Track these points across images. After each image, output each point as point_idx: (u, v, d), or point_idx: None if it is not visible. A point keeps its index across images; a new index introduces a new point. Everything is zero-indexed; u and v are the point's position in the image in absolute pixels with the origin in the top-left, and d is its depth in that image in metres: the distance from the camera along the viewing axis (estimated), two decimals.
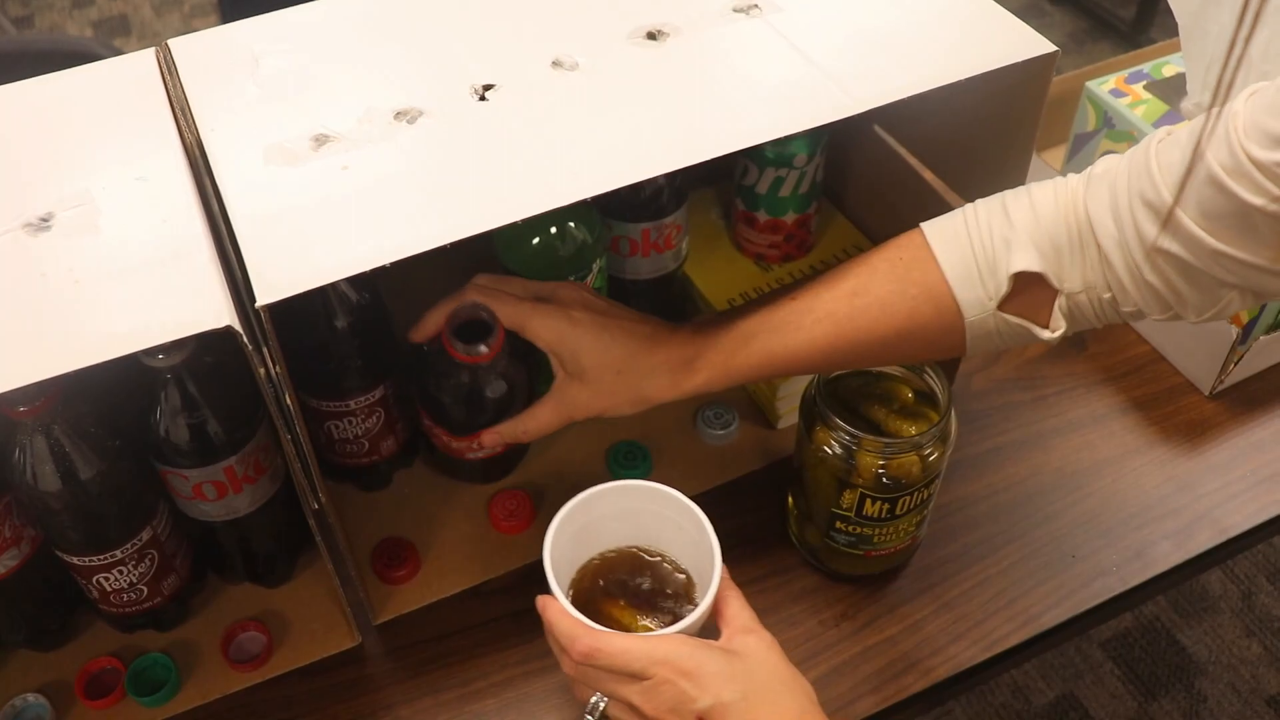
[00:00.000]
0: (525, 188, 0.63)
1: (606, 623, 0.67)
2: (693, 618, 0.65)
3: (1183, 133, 0.62)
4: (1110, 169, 0.66)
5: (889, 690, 0.79)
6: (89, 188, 0.64)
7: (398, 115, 0.68)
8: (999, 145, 0.84)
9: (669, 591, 0.72)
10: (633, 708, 0.62)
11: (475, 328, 0.75)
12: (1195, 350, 0.97)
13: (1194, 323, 0.66)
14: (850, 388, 0.79)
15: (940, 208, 0.91)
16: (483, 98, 0.69)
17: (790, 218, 0.96)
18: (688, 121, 0.68)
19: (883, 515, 0.76)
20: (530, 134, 0.67)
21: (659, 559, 0.73)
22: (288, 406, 0.64)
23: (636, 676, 0.62)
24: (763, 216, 0.96)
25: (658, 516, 0.72)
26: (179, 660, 0.79)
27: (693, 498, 0.88)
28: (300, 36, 0.75)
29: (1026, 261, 0.66)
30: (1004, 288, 0.67)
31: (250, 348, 0.57)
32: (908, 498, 0.76)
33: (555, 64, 0.72)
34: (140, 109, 0.70)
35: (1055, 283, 0.67)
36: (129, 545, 0.73)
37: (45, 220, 0.62)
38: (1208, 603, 1.77)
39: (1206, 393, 0.97)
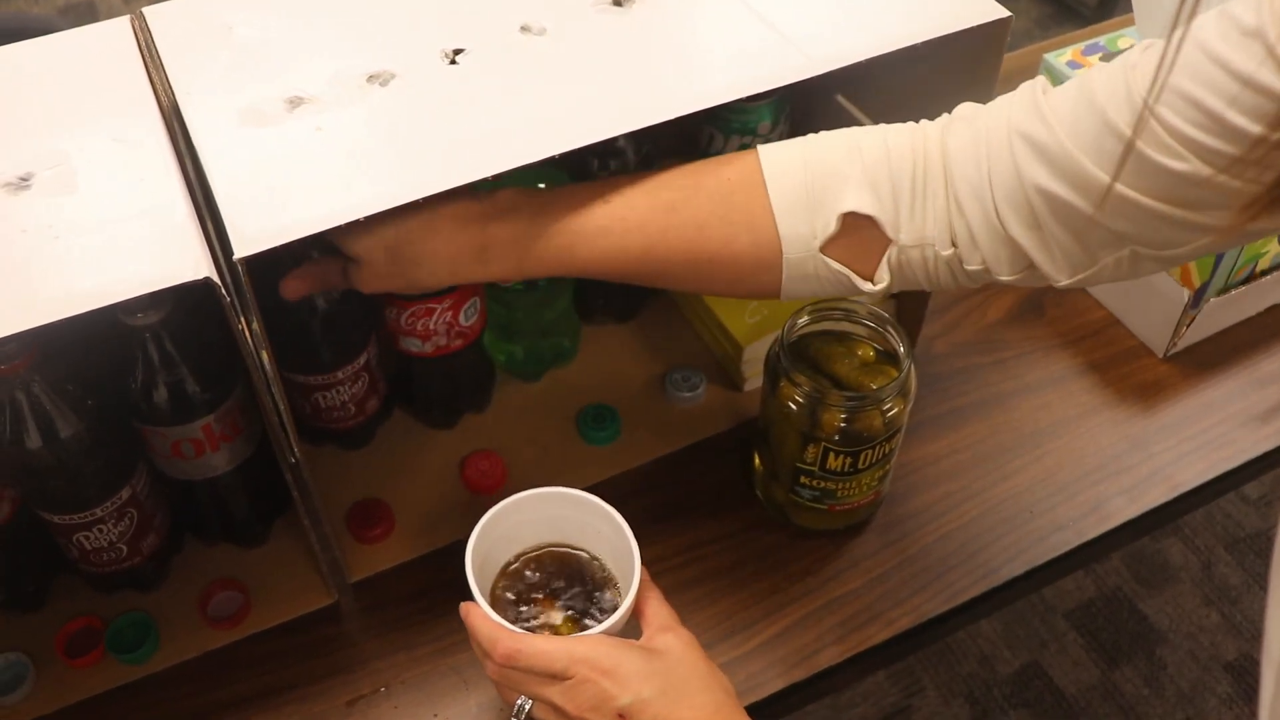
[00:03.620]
0: (494, 146, 0.65)
1: (532, 619, 0.68)
2: (614, 619, 0.65)
3: (1070, 84, 0.59)
4: (975, 113, 0.64)
5: (853, 640, 0.81)
6: (67, 149, 0.66)
7: (369, 78, 0.70)
8: None
9: (591, 586, 0.71)
10: (556, 708, 0.63)
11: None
12: (1150, 314, 1.00)
13: (1060, 285, 0.62)
14: (814, 346, 0.81)
15: None
16: (453, 61, 0.71)
17: None
18: (651, 84, 0.70)
19: (845, 469, 0.79)
20: (499, 96, 0.69)
21: (581, 553, 0.73)
22: (264, 361, 0.65)
23: (557, 677, 0.62)
24: None
25: (579, 522, 0.72)
26: (158, 619, 0.80)
27: (662, 458, 0.91)
28: (273, 3, 0.77)
29: (858, 202, 0.63)
30: (831, 227, 0.64)
31: (228, 300, 0.59)
32: (870, 451, 0.78)
33: (523, 29, 0.73)
34: (117, 74, 0.71)
35: (889, 231, 0.64)
36: (108, 503, 0.74)
37: (25, 180, 0.64)
38: (1168, 573, 1.81)
39: (1160, 355, 1.00)
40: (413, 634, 0.81)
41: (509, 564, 0.72)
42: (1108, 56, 1.08)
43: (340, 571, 0.83)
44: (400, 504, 0.87)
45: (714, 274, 0.68)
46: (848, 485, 0.81)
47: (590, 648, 0.62)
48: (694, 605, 0.82)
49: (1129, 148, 0.54)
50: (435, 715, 0.77)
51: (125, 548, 0.77)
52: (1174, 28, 0.48)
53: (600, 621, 0.66)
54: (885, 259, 0.65)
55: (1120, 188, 0.55)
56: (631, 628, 0.67)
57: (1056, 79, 1.07)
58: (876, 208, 0.63)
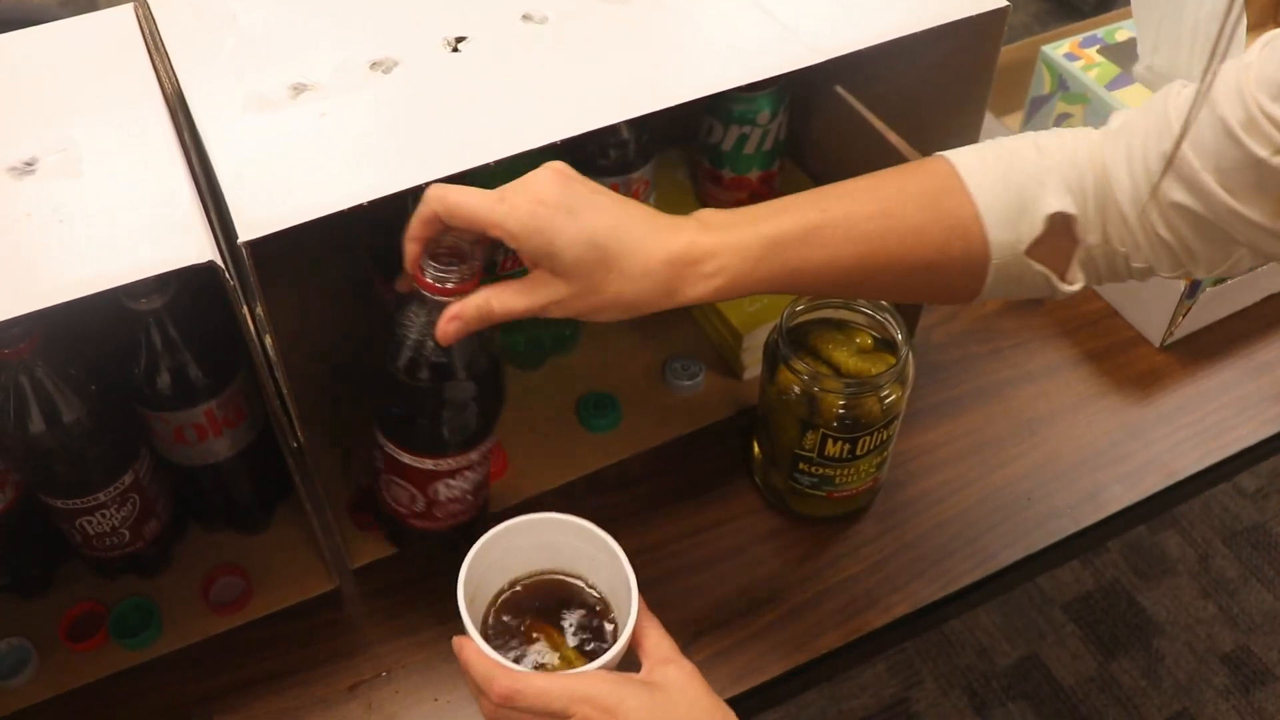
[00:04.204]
0: (496, 133, 0.66)
1: (528, 648, 0.66)
2: (612, 653, 0.63)
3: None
4: (1127, 123, 0.64)
5: (851, 626, 0.82)
6: (72, 134, 0.66)
7: (373, 66, 0.70)
8: (955, 103, 0.87)
9: (589, 615, 0.69)
10: None
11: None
12: (1146, 304, 1.00)
13: (1205, 278, 0.65)
14: (812, 333, 0.82)
15: (900, 164, 0.94)
16: (455, 49, 0.71)
17: (754, 175, 0.99)
18: (652, 72, 0.71)
19: (844, 455, 0.79)
20: (501, 83, 0.69)
21: (577, 582, 0.70)
22: (267, 346, 0.66)
23: (557, 716, 0.60)
24: (728, 174, 0.99)
25: (573, 548, 0.69)
26: (161, 604, 0.81)
27: (661, 446, 0.91)
28: None
29: (1062, 203, 0.64)
30: (1038, 229, 0.64)
31: (232, 284, 0.59)
32: (868, 438, 0.79)
33: (525, 18, 0.74)
34: (120, 60, 0.72)
35: (1080, 232, 0.65)
36: (111, 489, 0.75)
37: (29, 164, 0.64)
38: (1166, 565, 1.82)
39: (1157, 344, 1.00)
40: (414, 619, 0.82)
41: (502, 592, 0.69)
42: (1105, 49, 1.08)
43: (342, 557, 0.84)
44: None
45: (927, 281, 0.67)
46: (846, 472, 0.81)
47: (591, 685, 0.60)
48: (693, 591, 0.83)
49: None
50: (436, 699, 0.77)
51: (128, 533, 0.78)
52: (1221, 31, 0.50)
53: (600, 652, 0.65)
54: (1075, 258, 0.66)
55: (1227, 198, 0.58)
56: (630, 659, 0.66)
57: (1054, 71, 1.08)
58: (1075, 208, 0.64)
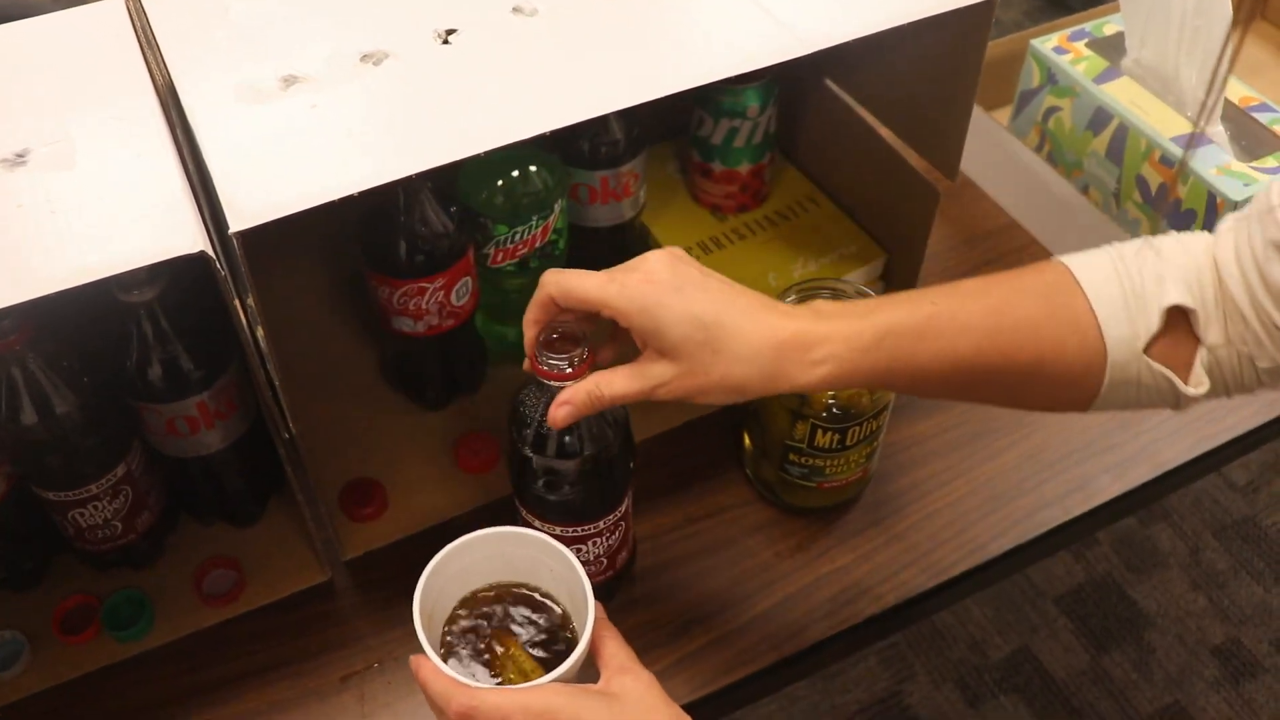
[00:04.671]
0: (486, 124, 0.66)
1: (489, 660, 0.66)
2: (568, 664, 0.62)
3: None
4: (1238, 222, 0.64)
5: (841, 615, 0.82)
6: (64, 126, 0.66)
7: (364, 58, 0.70)
8: (943, 96, 0.87)
9: (547, 625, 0.69)
10: None
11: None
12: None
13: None
14: None
15: (890, 158, 0.95)
16: (445, 41, 0.72)
17: (744, 168, 0.99)
18: (641, 64, 0.71)
19: (834, 446, 0.80)
20: (491, 75, 0.70)
21: (536, 594, 0.69)
22: (259, 338, 0.66)
23: None
24: (718, 167, 0.99)
25: (532, 560, 0.68)
26: (153, 596, 0.81)
27: (654, 437, 0.92)
28: None
29: (1180, 296, 0.62)
30: (1155, 325, 0.62)
31: (223, 274, 0.60)
32: (857, 428, 0.79)
33: (515, 10, 0.74)
34: (111, 52, 0.72)
35: (1200, 329, 0.63)
36: (103, 480, 0.75)
37: (21, 156, 0.64)
38: (1157, 559, 1.82)
39: None
40: (405, 611, 0.80)
41: (461, 606, 0.69)
42: (1094, 43, 1.09)
43: (334, 549, 0.84)
44: (393, 483, 0.88)
45: (1041, 381, 0.65)
46: (836, 462, 0.82)
47: (548, 698, 0.60)
48: (685, 582, 0.83)
49: None
50: None
51: (120, 525, 0.78)
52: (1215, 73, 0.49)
53: (559, 663, 0.64)
54: (1198, 359, 0.64)
55: None
56: (589, 669, 0.65)
57: (1043, 65, 1.08)
58: (1195, 302, 0.62)
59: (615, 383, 0.64)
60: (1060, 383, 0.65)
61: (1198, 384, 0.64)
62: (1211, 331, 0.63)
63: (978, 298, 0.65)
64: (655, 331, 0.62)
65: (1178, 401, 0.65)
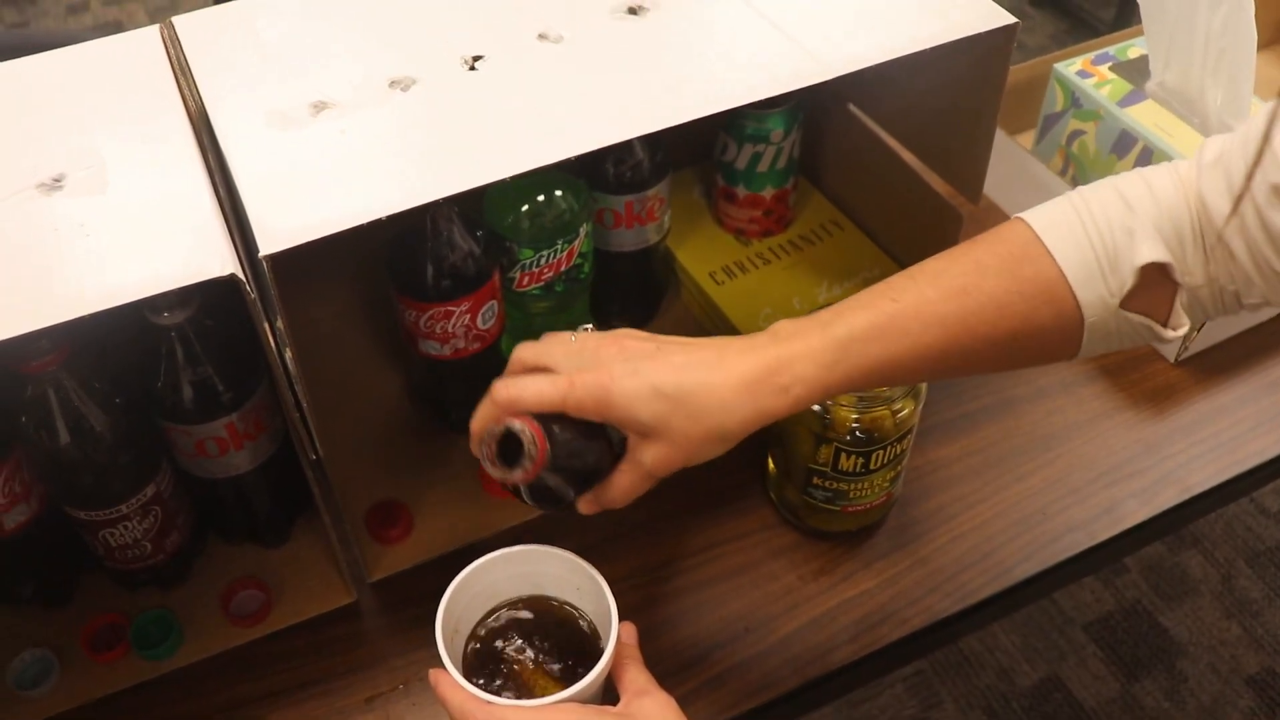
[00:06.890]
0: (512, 149, 0.67)
1: (512, 675, 0.66)
2: (588, 680, 0.63)
3: None
4: (1223, 154, 0.62)
5: (865, 640, 0.82)
6: (98, 151, 0.68)
7: (392, 84, 0.71)
8: (966, 120, 0.87)
9: (574, 643, 0.69)
10: None
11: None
12: None
13: None
14: None
15: (913, 182, 0.95)
16: (472, 67, 0.73)
17: (769, 193, 1.00)
18: (666, 89, 0.72)
19: (858, 469, 0.80)
20: (518, 100, 0.71)
21: (563, 610, 0.70)
22: (287, 360, 0.67)
23: None
24: (742, 192, 1.00)
25: (556, 577, 0.69)
26: (181, 616, 0.82)
27: None
28: (298, 11, 0.79)
29: (1153, 252, 0.61)
30: (1128, 283, 0.62)
31: (252, 297, 0.61)
32: (881, 452, 0.79)
33: (541, 36, 0.75)
34: (146, 80, 0.73)
35: (1178, 276, 0.62)
36: (133, 500, 0.76)
37: (57, 180, 0.66)
38: (1188, 586, 1.81)
39: (1172, 360, 1.01)
40: (430, 632, 0.81)
41: (483, 620, 0.70)
42: (1118, 66, 1.09)
43: (360, 570, 0.84)
44: (418, 505, 0.89)
45: (1015, 350, 0.65)
46: (860, 486, 0.81)
47: (566, 717, 0.60)
48: (707, 605, 0.83)
49: None
50: None
51: (149, 545, 0.79)
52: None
53: (580, 679, 0.64)
54: (1178, 302, 0.63)
55: None
56: (609, 692, 0.65)
57: (1066, 88, 1.09)
58: (1168, 255, 0.62)
59: (622, 484, 0.65)
60: (1037, 350, 0.65)
61: (1177, 325, 0.64)
62: (1191, 275, 0.62)
63: (940, 284, 0.64)
64: (627, 418, 0.62)
65: (1159, 342, 0.65)
